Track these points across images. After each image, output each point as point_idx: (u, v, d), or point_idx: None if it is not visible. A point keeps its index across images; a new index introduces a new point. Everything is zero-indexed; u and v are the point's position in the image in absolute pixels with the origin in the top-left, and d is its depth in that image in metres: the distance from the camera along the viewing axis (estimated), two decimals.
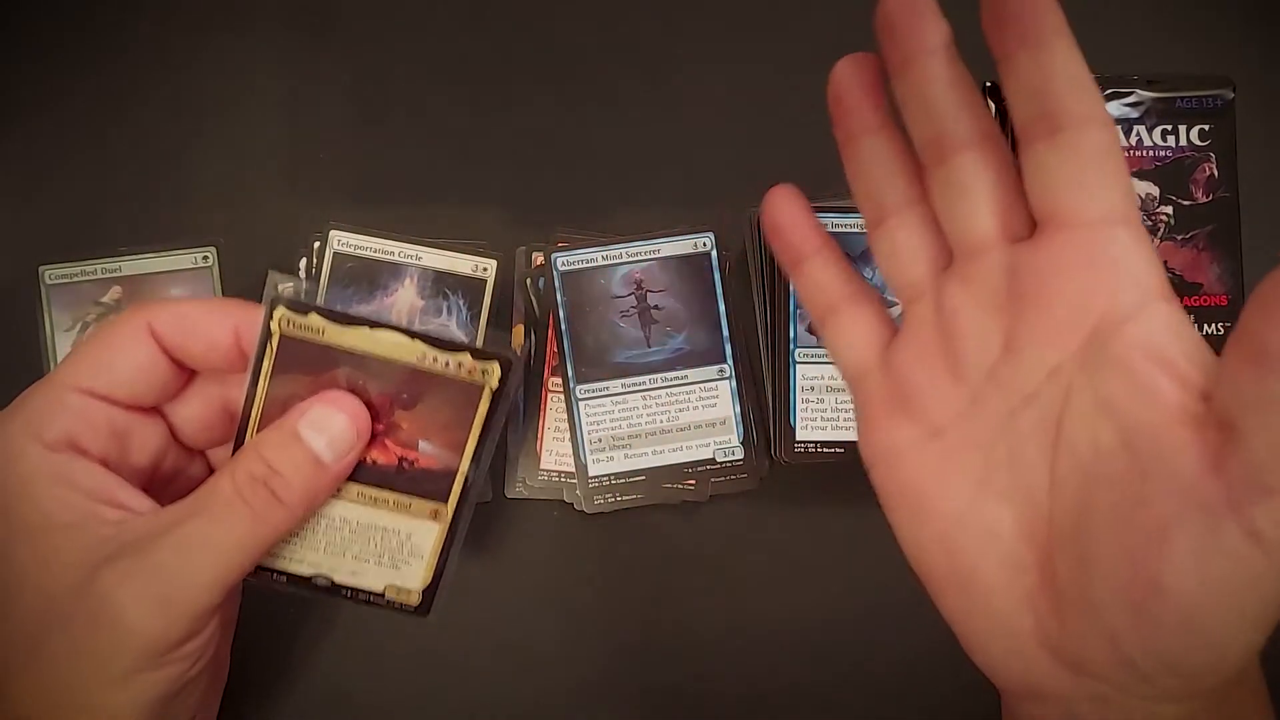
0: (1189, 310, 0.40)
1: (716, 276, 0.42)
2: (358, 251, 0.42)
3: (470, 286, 0.42)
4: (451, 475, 0.29)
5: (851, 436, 0.40)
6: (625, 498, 0.41)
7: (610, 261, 0.42)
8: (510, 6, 0.44)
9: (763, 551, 0.42)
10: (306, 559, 0.30)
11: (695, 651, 0.42)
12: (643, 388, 0.41)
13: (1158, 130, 0.40)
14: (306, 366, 0.28)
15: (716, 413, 0.41)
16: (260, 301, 0.28)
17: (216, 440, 0.31)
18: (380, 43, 0.44)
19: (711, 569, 0.42)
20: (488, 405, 0.28)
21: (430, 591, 0.31)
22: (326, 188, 0.43)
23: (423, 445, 0.29)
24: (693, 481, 0.41)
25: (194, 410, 0.30)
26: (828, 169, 0.44)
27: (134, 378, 0.28)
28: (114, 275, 0.42)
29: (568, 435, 0.41)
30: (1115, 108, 0.41)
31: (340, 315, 0.27)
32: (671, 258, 0.42)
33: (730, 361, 0.41)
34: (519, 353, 0.42)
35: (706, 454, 0.41)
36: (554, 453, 0.42)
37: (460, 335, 0.39)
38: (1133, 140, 0.40)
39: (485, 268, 0.42)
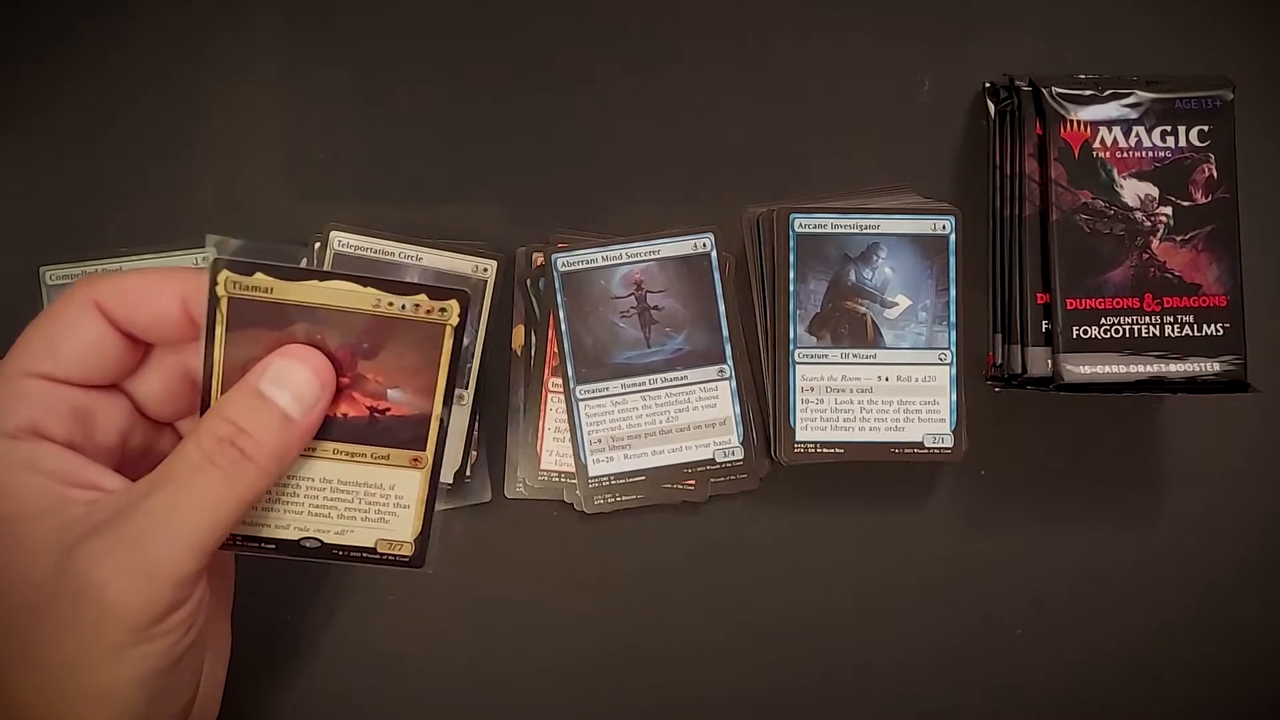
0: (1188, 311, 0.40)
1: (716, 277, 0.42)
2: (358, 251, 0.42)
3: (470, 286, 0.42)
4: (426, 420, 0.29)
5: (851, 437, 0.40)
6: (625, 498, 0.41)
7: (610, 262, 0.42)
8: (510, 6, 0.44)
9: (763, 551, 0.42)
10: (292, 523, 0.29)
11: (695, 652, 0.42)
12: (643, 388, 0.41)
13: (1157, 131, 0.40)
14: (261, 326, 0.27)
15: (716, 413, 0.41)
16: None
17: (182, 412, 0.31)
18: (380, 42, 0.44)
19: (711, 569, 0.42)
20: (451, 343, 0.28)
21: (423, 540, 0.30)
22: (326, 188, 0.43)
23: (392, 393, 0.28)
24: (692, 482, 0.41)
25: (155, 383, 0.30)
26: (827, 169, 0.44)
27: (86, 357, 0.28)
28: None
29: (568, 435, 0.41)
30: (1115, 108, 0.41)
31: (286, 270, 0.26)
32: (671, 258, 0.42)
33: (730, 361, 0.41)
34: (518, 351, 0.42)
35: (706, 454, 0.41)
36: (554, 453, 0.42)
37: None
38: (1132, 141, 0.40)
39: (485, 268, 0.42)
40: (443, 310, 0.27)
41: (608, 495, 0.41)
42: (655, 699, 0.41)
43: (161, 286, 0.28)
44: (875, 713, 0.42)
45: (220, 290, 0.26)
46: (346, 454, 0.29)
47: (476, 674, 0.41)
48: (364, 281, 0.26)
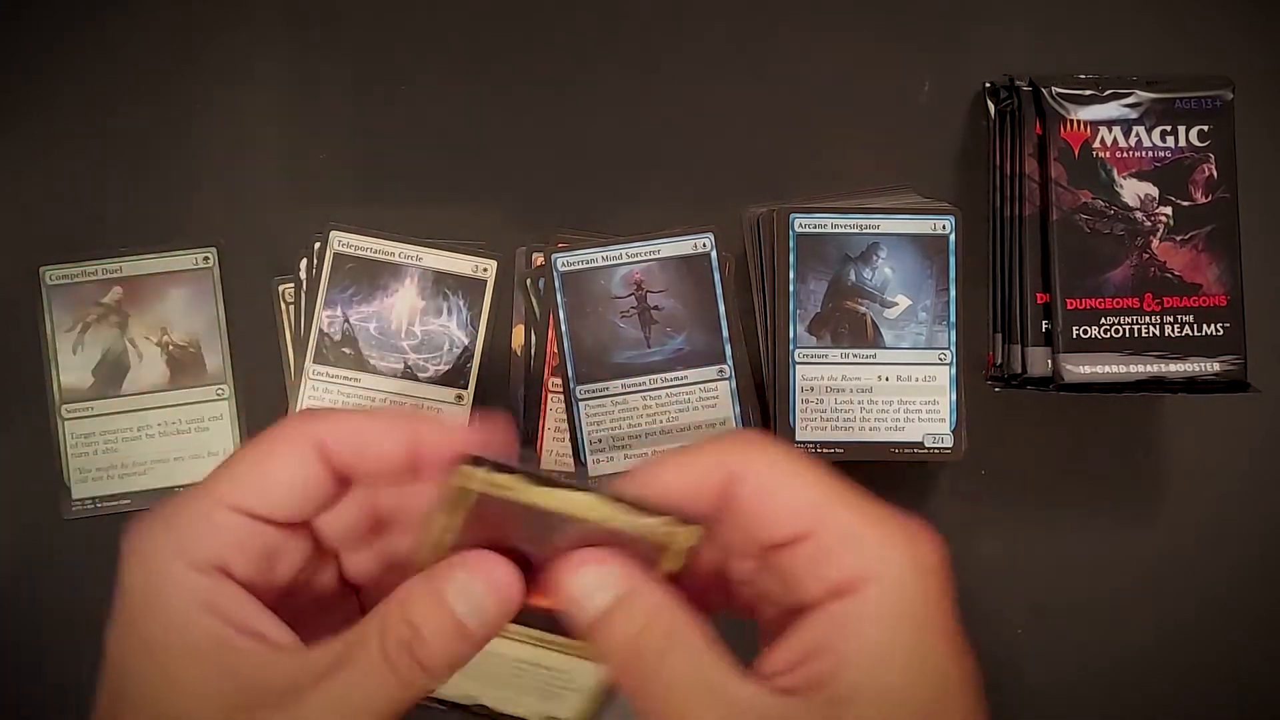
0: (1188, 311, 0.40)
1: (716, 277, 0.42)
2: (358, 252, 0.42)
3: (470, 286, 0.42)
4: None
5: (851, 437, 0.40)
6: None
7: (610, 262, 0.42)
8: (510, 7, 0.44)
9: None
10: (466, 688, 0.29)
11: None
12: (643, 388, 0.41)
13: (1157, 131, 0.40)
14: (489, 517, 0.25)
15: (716, 413, 0.41)
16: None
17: (352, 546, 0.30)
18: (380, 43, 0.44)
19: None
20: (669, 565, 0.26)
21: None
22: (326, 188, 0.43)
23: None
24: None
25: (344, 519, 0.29)
26: (827, 169, 0.44)
27: (297, 498, 0.26)
28: (114, 275, 0.42)
29: (568, 435, 0.41)
30: (1115, 108, 0.41)
31: (538, 477, 0.25)
32: (671, 258, 0.42)
33: (730, 361, 0.41)
34: (518, 351, 0.42)
35: None
36: (554, 453, 0.42)
37: (460, 335, 0.38)
38: (1132, 141, 0.40)
39: (485, 268, 0.42)
40: (670, 535, 0.25)
41: None
42: None
43: (391, 432, 0.27)
44: None
45: (471, 485, 0.25)
46: (536, 639, 0.28)
47: None
48: (609, 500, 0.25)
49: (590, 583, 0.25)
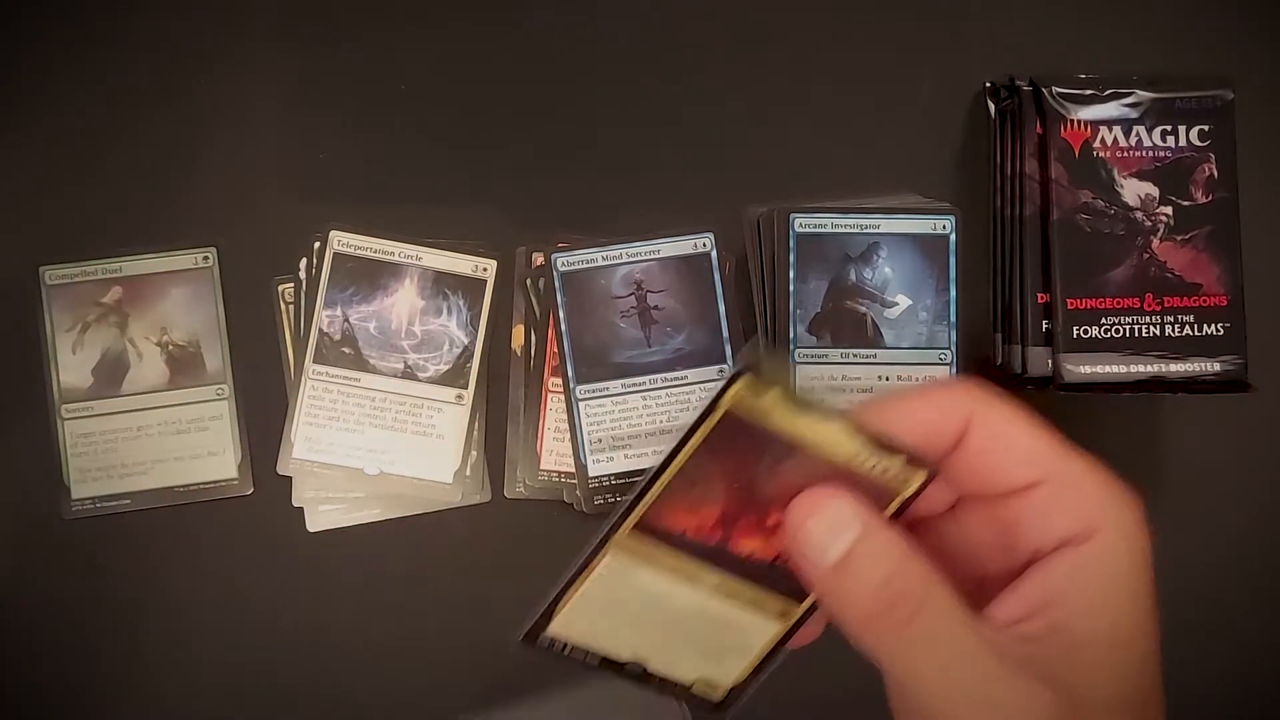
0: (1188, 310, 0.40)
1: (716, 277, 0.42)
2: (358, 251, 0.42)
3: (470, 286, 0.42)
4: None
5: None
6: (625, 498, 0.41)
7: (610, 262, 0.42)
8: (510, 7, 0.44)
9: None
10: (630, 641, 0.26)
11: None
12: (643, 388, 0.41)
13: (1157, 130, 0.40)
14: (732, 447, 0.23)
15: None
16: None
17: None
18: (380, 43, 0.44)
19: None
20: (893, 510, 0.25)
21: (738, 691, 0.28)
22: (326, 188, 0.43)
23: None
24: None
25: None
26: (827, 169, 0.44)
27: None
28: (114, 275, 0.42)
29: (567, 435, 0.41)
30: (1115, 108, 0.41)
31: (801, 400, 0.23)
32: (671, 258, 0.42)
33: (730, 361, 0.41)
34: (518, 352, 0.42)
35: None
36: (554, 453, 0.42)
37: (460, 335, 0.38)
38: (1132, 140, 0.40)
39: (485, 268, 0.42)
40: (905, 481, 0.24)
41: (608, 495, 0.41)
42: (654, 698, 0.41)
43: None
44: (875, 712, 0.42)
45: (731, 399, 0.23)
46: (727, 590, 0.26)
47: (475, 672, 0.41)
48: (858, 432, 0.23)
49: (829, 525, 0.23)
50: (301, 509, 0.41)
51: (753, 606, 0.26)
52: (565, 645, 0.26)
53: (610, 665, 0.27)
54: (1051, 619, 0.23)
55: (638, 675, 0.27)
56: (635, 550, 0.25)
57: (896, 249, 0.40)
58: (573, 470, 0.41)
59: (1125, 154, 0.40)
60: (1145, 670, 0.23)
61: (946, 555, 0.25)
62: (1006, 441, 0.24)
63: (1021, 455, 0.24)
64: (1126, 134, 0.40)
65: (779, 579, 0.26)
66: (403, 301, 0.42)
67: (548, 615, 0.25)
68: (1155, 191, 0.40)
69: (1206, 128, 0.40)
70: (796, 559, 0.24)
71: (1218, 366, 0.40)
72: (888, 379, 0.40)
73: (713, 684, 0.28)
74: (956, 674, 0.22)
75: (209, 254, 0.42)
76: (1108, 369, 0.40)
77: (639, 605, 0.26)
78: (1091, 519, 0.23)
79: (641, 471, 0.41)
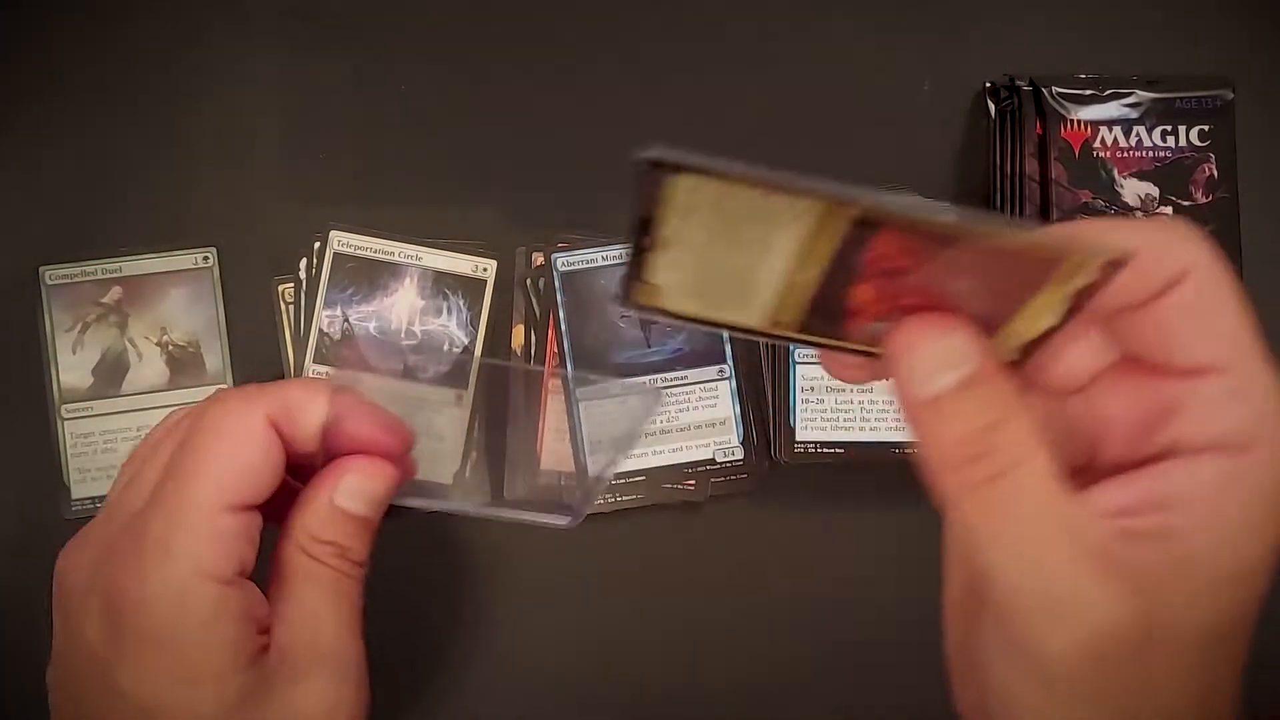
0: None
1: None
2: (358, 251, 0.42)
3: (470, 286, 0.42)
4: None
5: (851, 436, 0.40)
6: (625, 498, 0.41)
7: (610, 261, 0.42)
8: (510, 7, 0.44)
9: (763, 551, 0.42)
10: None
11: (695, 651, 0.42)
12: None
13: (1157, 130, 0.40)
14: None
15: (716, 413, 0.41)
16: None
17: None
18: (380, 43, 0.43)
19: (711, 569, 0.42)
20: (1068, 307, 0.20)
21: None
22: (326, 188, 0.43)
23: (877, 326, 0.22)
24: (692, 482, 0.41)
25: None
26: (827, 169, 0.44)
27: (271, 476, 0.27)
28: (114, 275, 0.42)
29: (568, 435, 0.41)
30: (1115, 108, 0.41)
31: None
32: None
33: (730, 361, 0.41)
34: (518, 351, 0.42)
35: (706, 454, 0.41)
36: (554, 453, 0.42)
37: (460, 335, 0.38)
38: (1132, 140, 0.40)
39: (485, 268, 0.42)
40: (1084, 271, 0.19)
41: (608, 495, 0.41)
42: (655, 698, 0.41)
43: (318, 395, 0.28)
44: (876, 711, 0.42)
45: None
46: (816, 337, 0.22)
47: (476, 673, 0.41)
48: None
49: (937, 356, 0.20)
50: None
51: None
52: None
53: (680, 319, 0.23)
54: (1170, 523, 0.20)
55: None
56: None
57: None
58: (573, 470, 0.41)
59: (1125, 154, 0.40)
60: (1246, 614, 0.21)
61: (1071, 422, 0.23)
62: (1215, 311, 0.20)
63: (1221, 332, 0.20)
64: (1126, 134, 0.40)
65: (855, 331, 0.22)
66: (403, 301, 0.42)
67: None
68: (1155, 192, 0.40)
69: (1206, 128, 0.40)
70: (894, 377, 0.21)
71: None
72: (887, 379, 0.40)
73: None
74: (1029, 550, 0.20)
75: (209, 254, 0.42)
76: None
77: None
78: (1259, 430, 0.20)
79: (642, 471, 0.41)
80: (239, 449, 0.26)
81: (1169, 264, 0.20)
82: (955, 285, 0.20)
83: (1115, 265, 0.19)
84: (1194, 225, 0.21)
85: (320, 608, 0.28)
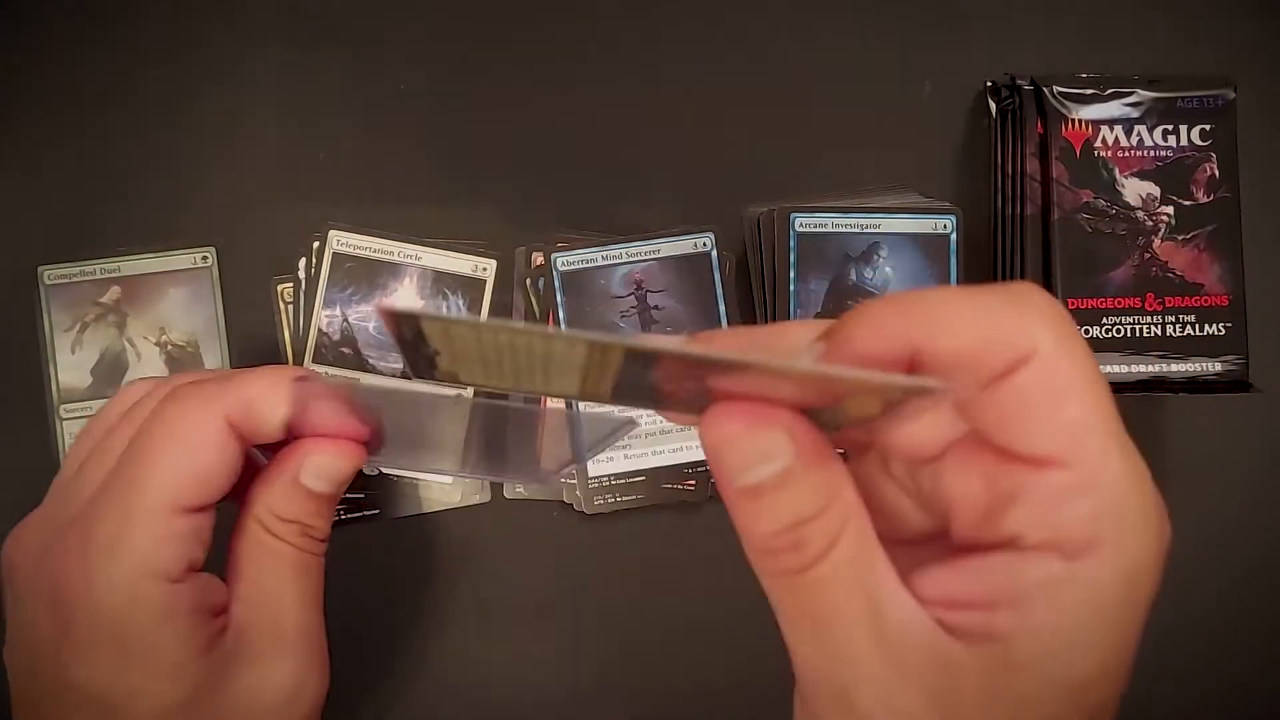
0: (1189, 310, 0.40)
1: (717, 276, 0.42)
2: (357, 251, 0.42)
3: (470, 286, 0.42)
4: None
5: None
6: (625, 498, 0.41)
7: (610, 261, 0.41)
8: (510, 7, 0.44)
9: None
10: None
11: (695, 651, 0.42)
12: None
13: (1158, 130, 0.40)
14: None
15: None
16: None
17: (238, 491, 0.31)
18: (380, 43, 0.43)
19: (711, 569, 0.42)
20: (856, 421, 0.20)
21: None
22: (326, 188, 0.43)
23: None
24: (692, 482, 0.41)
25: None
26: (827, 169, 0.44)
27: (226, 476, 0.27)
28: (114, 275, 0.42)
29: (566, 438, 0.41)
30: (1116, 107, 0.41)
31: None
32: (671, 258, 0.42)
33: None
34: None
35: None
36: (554, 456, 0.41)
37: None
38: (1133, 140, 0.40)
39: (485, 268, 0.42)
40: (913, 407, 0.19)
41: (608, 495, 0.41)
42: (655, 698, 0.41)
43: (277, 390, 0.27)
44: None
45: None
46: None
47: (476, 673, 0.41)
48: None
49: (751, 451, 0.19)
50: None
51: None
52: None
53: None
54: (995, 623, 0.19)
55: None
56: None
57: (897, 249, 0.40)
58: (572, 470, 0.41)
59: (1126, 153, 0.40)
60: None
61: (924, 491, 0.22)
62: (1058, 400, 0.18)
63: (1064, 423, 0.18)
64: (1128, 133, 0.40)
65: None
66: (402, 301, 0.42)
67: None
68: (1156, 191, 0.40)
69: (1208, 127, 0.40)
70: (710, 460, 0.20)
71: (1219, 366, 0.39)
72: None
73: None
74: (829, 644, 0.19)
75: (208, 254, 0.42)
76: (1109, 369, 0.39)
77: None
78: (1100, 531, 0.18)
79: (642, 471, 0.41)
80: (194, 454, 0.26)
81: (1011, 345, 0.18)
82: (761, 384, 0.19)
83: (921, 395, 0.17)
84: (1047, 295, 0.19)
85: (282, 587, 0.28)
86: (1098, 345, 0.40)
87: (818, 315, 0.40)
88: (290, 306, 0.42)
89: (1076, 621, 0.18)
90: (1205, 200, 0.40)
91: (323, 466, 0.28)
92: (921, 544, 0.21)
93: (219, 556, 0.28)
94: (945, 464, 0.21)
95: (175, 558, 0.26)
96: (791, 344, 0.20)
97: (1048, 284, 0.40)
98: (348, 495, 0.41)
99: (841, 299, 0.40)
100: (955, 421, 0.20)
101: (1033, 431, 0.18)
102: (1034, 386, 0.18)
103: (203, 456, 0.26)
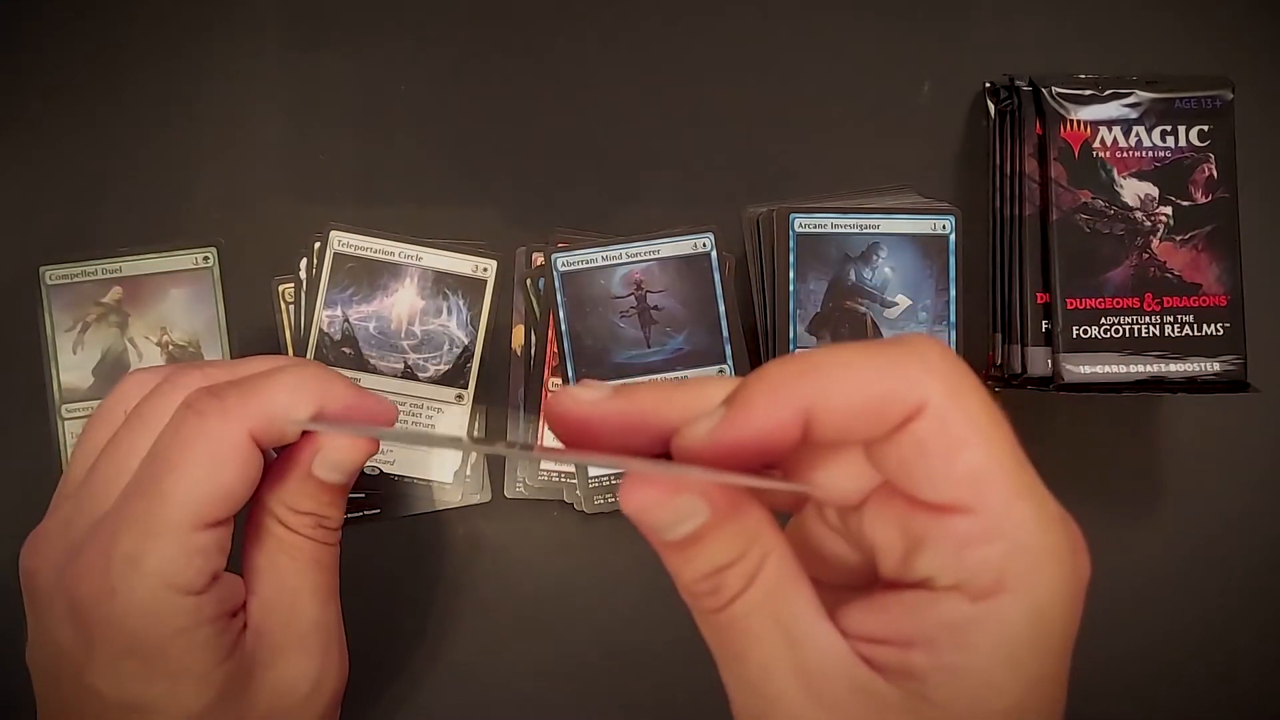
0: (1188, 310, 0.40)
1: (716, 277, 0.42)
2: (358, 252, 0.42)
3: (470, 286, 0.42)
4: None
5: None
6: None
7: (610, 262, 0.42)
8: (510, 7, 0.44)
9: None
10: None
11: (695, 651, 0.42)
12: None
13: (1157, 130, 0.40)
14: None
15: None
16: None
17: None
18: (380, 43, 0.44)
19: None
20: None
21: None
22: (326, 188, 0.43)
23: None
24: None
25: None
26: (827, 169, 0.44)
27: (246, 489, 0.27)
28: (114, 275, 0.42)
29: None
30: (1115, 108, 0.41)
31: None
32: (671, 258, 0.42)
33: (730, 361, 0.41)
34: (518, 351, 0.42)
35: None
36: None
37: (460, 335, 0.39)
38: (1132, 140, 0.40)
39: (485, 268, 0.42)
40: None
41: (608, 495, 0.41)
42: (655, 698, 0.41)
43: (302, 397, 0.27)
44: None
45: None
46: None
47: (476, 673, 0.41)
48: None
49: (667, 515, 0.20)
50: None
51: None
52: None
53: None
54: (910, 661, 0.19)
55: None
56: None
57: (896, 249, 0.40)
58: (573, 470, 0.41)
59: (1125, 154, 0.40)
60: None
61: (854, 534, 0.23)
62: (953, 448, 0.19)
63: (962, 471, 0.19)
64: (1126, 134, 0.40)
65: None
66: (403, 301, 0.42)
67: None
68: (1155, 191, 0.40)
69: (1206, 128, 0.40)
70: (632, 520, 0.21)
71: (1217, 366, 0.40)
72: None
73: None
74: (750, 676, 0.21)
75: (209, 254, 0.42)
76: (1107, 369, 0.40)
77: None
78: (1006, 573, 0.19)
79: None
80: (219, 470, 0.25)
81: (903, 399, 0.19)
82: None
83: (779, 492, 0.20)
84: (939, 346, 0.20)
85: (298, 582, 0.28)
86: (1096, 345, 0.40)
87: (817, 315, 0.40)
88: (291, 306, 0.42)
89: (987, 661, 0.19)
90: (1203, 201, 0.40)
91: (335, 457, 0.28)
92: (862, 587, 0.23)
93: (232, 554, 0.28)
94: (866, 510, 0.22)
95: (198, 571, 0.26)
96: (702, 405, 0.21)
97: (1046, 284, 0.40)
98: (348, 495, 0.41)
99: (841, 299, 0.40)
100: (875, 471, 0.21)
101: (933, 480, 0.19)
102: (928, 437, 0.19)
103: (228, 473, 0.26)
